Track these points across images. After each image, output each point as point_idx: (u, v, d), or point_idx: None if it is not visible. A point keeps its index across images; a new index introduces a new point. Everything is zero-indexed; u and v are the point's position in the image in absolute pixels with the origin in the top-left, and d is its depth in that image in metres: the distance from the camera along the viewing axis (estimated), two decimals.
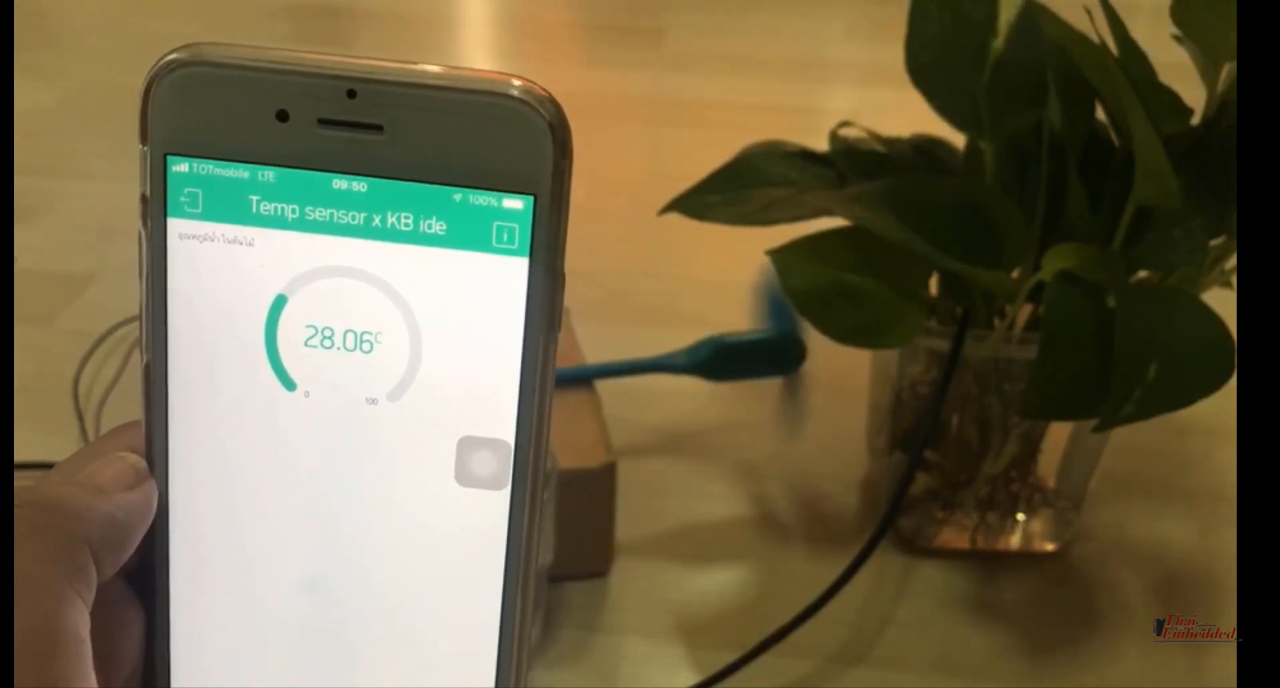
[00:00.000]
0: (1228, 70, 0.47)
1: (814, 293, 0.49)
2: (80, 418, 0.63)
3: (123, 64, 1.10)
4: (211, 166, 0.24)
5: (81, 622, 0.23)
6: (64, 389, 0.64)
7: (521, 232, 0.24)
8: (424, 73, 0.23)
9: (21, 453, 0.58)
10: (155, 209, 0.24)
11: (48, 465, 0.59)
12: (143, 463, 0.26)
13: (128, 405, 0.57)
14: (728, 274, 0.65)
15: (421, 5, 1.28)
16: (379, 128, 0.23)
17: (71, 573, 0.23)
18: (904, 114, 0.54)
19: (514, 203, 0.23)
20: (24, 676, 0.21)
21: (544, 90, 0.23)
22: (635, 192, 0.72)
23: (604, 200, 0.83)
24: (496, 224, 0.24)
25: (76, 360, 0.66)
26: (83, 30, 1.19)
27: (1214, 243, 0.48)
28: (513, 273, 0.24)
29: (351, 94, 0.23)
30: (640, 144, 0.97)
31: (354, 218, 0.24)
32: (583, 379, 0.58)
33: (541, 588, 0.50)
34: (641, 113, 1.03)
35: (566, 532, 0.50)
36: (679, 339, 0.62)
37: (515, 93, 0.23)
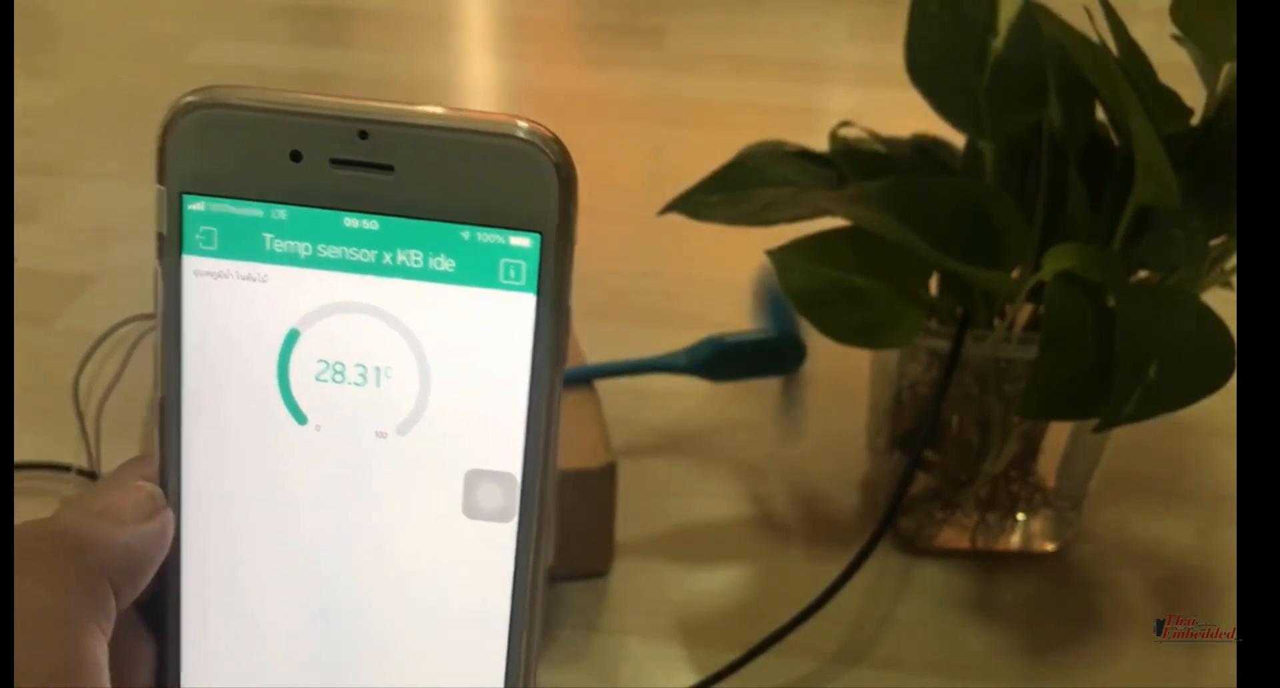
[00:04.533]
0: (1228, 70, 0.47)
1: (814, 293, 0.49)
2: (80, 418, 0.62)
3: (123, 64, 1.10)
4: (226, 205, 0.24)
5: (102, 653, 0.23)
6: (64, 389, 0.64)
7: (529, 268, 0.24)
8: (433, 115, 0.24)
9: (22, 453, 0.58)
10: (171, 247, 0.25)
11: (48, 466, 0.59)
12: (159, 492, 0.26)
13: (128, 406, 0.57)
14: (728, 274, 0.65)
15: (421, 5, 1.28)
16: (389, 167, 0.24)
17: (92, 605, 0.23)
18: (904, 114, 0.54)
19: (521, 240, 0.24)
20: None
21: (549, 131, 0.24)
22: (635, 192, 0.72)
23: (604, 200, 0.83)
24: (504, 261, 0.24)
25: (76, 360, 0.66)
26: (83, 30, 1.19)
27: (1214, 243, 0.48)
28: (520, 309, 0.24)
29: (363, 135, 0.24)
30: (640, 144, 0.97)
31: (365, 255, 0.24)
32: (583, 379, 0.58)
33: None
34: (641, 113, 1.03)
35: (566, 532, 0.50)
36: (679, 339, 0.62)
37: (521, 134, 0.23)
